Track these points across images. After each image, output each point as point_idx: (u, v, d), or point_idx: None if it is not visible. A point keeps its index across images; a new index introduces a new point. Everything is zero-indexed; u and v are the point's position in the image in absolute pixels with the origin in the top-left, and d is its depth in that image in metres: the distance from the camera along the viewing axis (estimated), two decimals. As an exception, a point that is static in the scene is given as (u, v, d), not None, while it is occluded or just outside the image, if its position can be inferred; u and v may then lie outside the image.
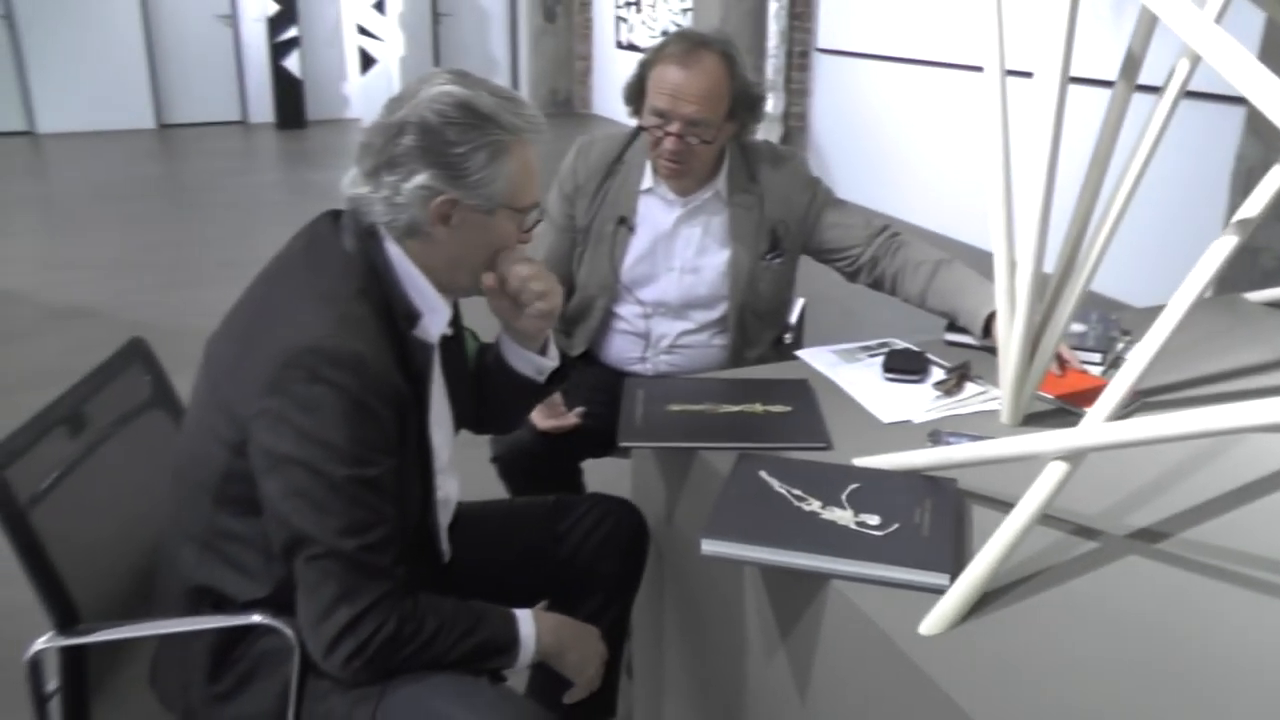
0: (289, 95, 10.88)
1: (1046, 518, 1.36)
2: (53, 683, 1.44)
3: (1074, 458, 1.26)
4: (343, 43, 11.13)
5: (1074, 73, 1.54)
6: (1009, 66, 1.60)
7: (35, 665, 1.41)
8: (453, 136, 1.34)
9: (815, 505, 1.38)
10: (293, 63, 10.82)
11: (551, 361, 1.66)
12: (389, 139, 1.35)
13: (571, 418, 2.07)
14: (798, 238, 2.23)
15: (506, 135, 1.37)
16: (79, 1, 10.13)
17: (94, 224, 6.87)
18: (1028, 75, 1.61)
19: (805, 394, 1.81)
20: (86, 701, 1.45)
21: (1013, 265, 1.63)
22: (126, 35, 10.40)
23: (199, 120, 10.97)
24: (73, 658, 1.42)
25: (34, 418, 1.47)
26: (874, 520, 1.35)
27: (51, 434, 1.49)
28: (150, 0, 10.47)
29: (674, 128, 2.04)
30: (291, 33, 10.75)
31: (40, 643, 1.39)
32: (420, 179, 1.34)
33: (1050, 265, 1.65)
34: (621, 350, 2.27)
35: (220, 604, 1.40)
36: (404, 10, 10.80)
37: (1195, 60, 1.48)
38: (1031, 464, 1.32)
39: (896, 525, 1.34)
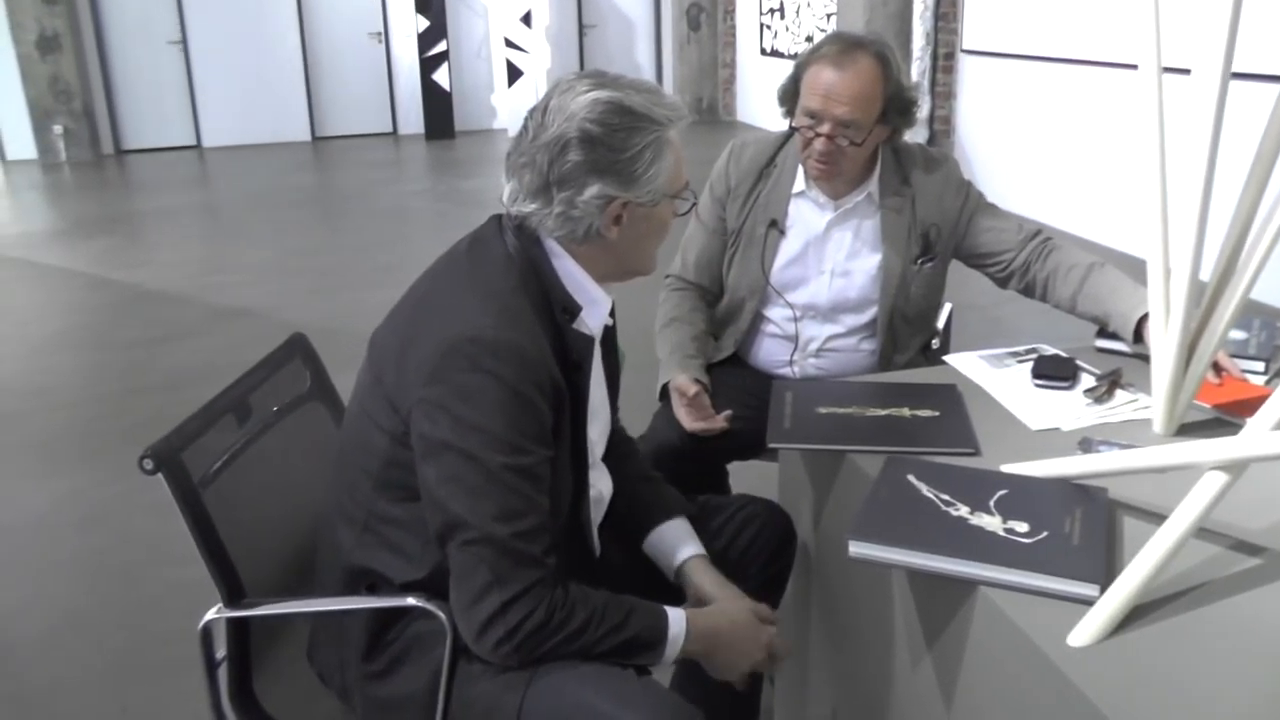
0: (438, 107, 11.23)
1: (1203, 531, 1.30)
2: (221, 651, 1.53)
3: (1234, 468, 1.21)
4: (490, 56, 11.44)
5: (1235, 68, 1.48)
6: (1167, 63, 1.55)
7: (206, 634, 1.51)
8: (618, 143, 1.37)
9: (963, 510, 1.37)
10: (441, 76, 11.17)
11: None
12: (554, 156, 1.37)
13: (720, 420, 2.08)
14: (949, 242, 2.20)
15: (660, 129, 1.40)
16: (243, 25, 10.73)
17: (253, 231, 7.22)
18: (1185, 72, 1.55)
19: (953, 399, 1.78)
20: (250, 671, 1.53)
21: (1168, 270, 1.57)
22: (285, 54, 10.95)
23: (352, 132, 11.44)
24: (238, 630, 1.51)
25: (205, 406, 1.56)
26: (1023, 527, 1.32)
27: (220, 422, 1.57)
28: (307, 21, 10.98)
29: (825, 128, 2.04)
30: (440, 47, 11.10)
31: (210, 614, 1.48)
32: (594, 189, 1.38)
33: (1206, 273, 1.58)
34: (770, 353, 2.28)
35: (377, 585, 1.45)
36: (550, 23, 11.02)
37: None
38: (1186, 476, 1.27)
39: (1046, 533, 1.31)
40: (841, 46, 2.05)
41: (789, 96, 2.13)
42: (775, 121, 2.23)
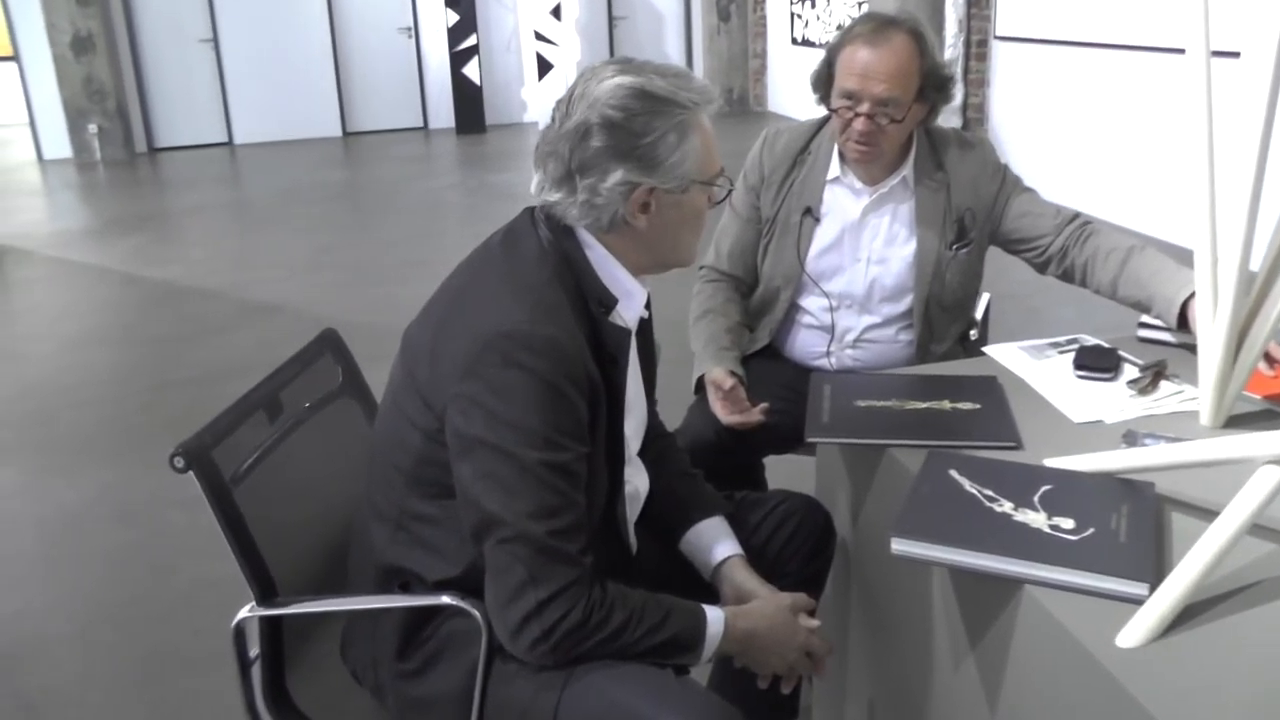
0: (468, 101, 11.25)
1: (1257, 528, 1.27)
2: (254, 650, 1.52)
3: (1291, 462, 1.17)
4: (520, 49, 11.44)
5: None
6: (1214, 47, 1.51)
7: (239, 633, 1.50)
8: (639, 127, 1.35)
9: (1007, 506, 1.33)
10: (472, 70, 11.18)
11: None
12: (575, 143, 1.35)
13: (756, 414, 2.06)
14: (985, 226, 2.16)
15: (685, 113, 1.37)
16: (272, 22, 10.82)
17: (284, 227, 7.26)
18: (1234, 55, 1.50)
19: (994, 391, 1.75)
20: (283, 669, 1.52)
21: (1215, 258, 1.53)
22: (315, 51, 11.02)
23: (382, 128, 11.50)
24: (271, 628, 1.50)
25: (236, 403, 1.55)
26: (1068, 524, 1.29)
27: (251, 419, 1.56)
28: (337, 17, 11.04)
29: (864, 108, 2.01)
30: (470, 41, 11.11)
31: (243, 612, 1.47)
32: (617, 176, 1.35)
33: (1255, 263, 1.54)
34: (806, 344, 2.25)
35: (410, 584, 1.44)
36: (580, 15, 11.01)
37: None
38: (1235, 470, 1.23)
39: (1092, 530, 1.27)
40: (875, 25, 2.02)
41: (823, 81, 2.10)
42: (806, 112, 2.21)
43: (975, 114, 7.65)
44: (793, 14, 10.66)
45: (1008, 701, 1.31)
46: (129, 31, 10.44)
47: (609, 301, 1.42)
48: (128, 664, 2.51)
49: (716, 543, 1.61)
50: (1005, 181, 2.16)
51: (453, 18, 11.02)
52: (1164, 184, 5.82)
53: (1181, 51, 1.55)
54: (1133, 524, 1.29)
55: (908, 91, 2.01)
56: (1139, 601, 1.16)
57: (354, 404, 1.80)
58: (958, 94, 7.50)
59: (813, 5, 10.14)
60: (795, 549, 1.70)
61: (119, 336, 5.05)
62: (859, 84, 2.00)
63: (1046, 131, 6.94)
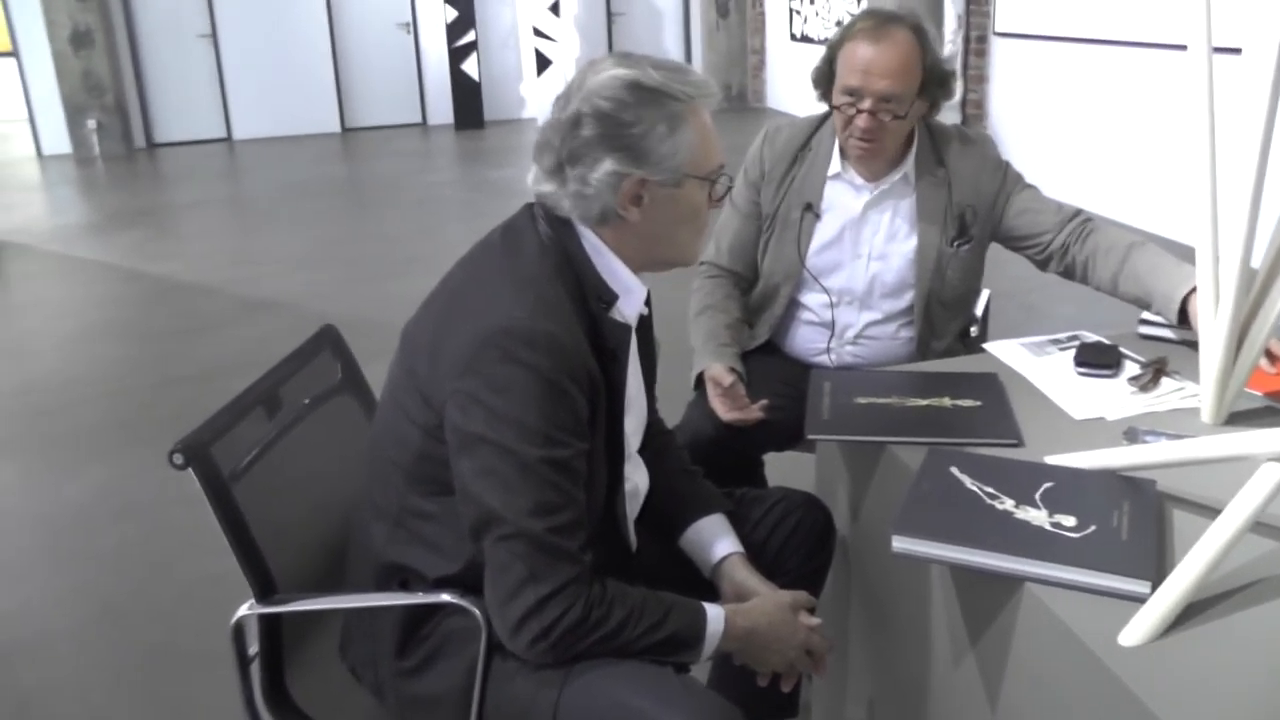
0: (467, 97, 11.24)
1: (1259, 525, 1.26)
2: (253, 647, 1.51)
3: (1294, 460, 1.17)
4: (519, 45, 11.43)
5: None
6: (1215, 43, 1.50)
7: (238, 630, 1.49)
8: (629, 117, 1.34)
9: (1008, 504, 1.33)
10: (470, 66, 11.17)
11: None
12: (566, 134, 1.36)
13: (756, 410, 2.05)
14: (986, 223, 2.16)
15: (679, 104, 1.37)
16: (271, 18, 10.80)
17: (283, 222, 7.26)
18: (1235, 52, 1.50)
19: (995, 388, 1.75)
20: (282, 667, 1.52)
21: (1217, 255, 1.53)
22: (314, 46, 11.01)
23: (381, 123, 11.48)
24: (271, 626, 1.49)
25: (234, 399, 1.55)
26: (1070, 521, 1.29)
27: (250, 415, 1.56)
28: (336, 13, 11.03)
29: (866, 104, 2.00)
30: (469, 37, 11.10)
31: (242, 610, 1.46)
32: (606, 166, 1.35)
33: (1256, 260, 1.54)
34: (806, 341, 2.25)
35: (409, 581, 1.44)
36: (578, 11, 11.00)
37: None
38: (1236, 467, 1.23)
39: (1093, 528, 1.27)
40: (876, 21, 2.02)
41: (824, 78, 2.10)
42: (806, 108, 2.20)
43: (974, 110, 7.64)
44: (791, 10, 10.65)
45: (1008, 699, 1.31)
46: (128, 27, 10.42)
47: (609, 297, 1.41)
48: (128, 661, 2.50)
49: (716, 540, 1.60)
50: (1007, 178, 2.16)
51: (451, 13, 11.00)
52: (1164, 181, 5.82)
53: (1182, 48, 1.54)
54: (1134, 521, 1.28)
55: (910, 87, 2.01)
56: (1141, 600, 1.16)
57: (353, 400, 1.80)
58: (957, 90, 7.49)
59: (812, 1, 10.12)
60: (795, 546, 1.69)
61: (119, 332, 5.05)
62: (861, 80, 2.00)
63: (1046, 127, 6.93)
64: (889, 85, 1.99)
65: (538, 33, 11.05)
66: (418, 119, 11.63)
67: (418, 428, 1.37)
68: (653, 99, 1.35)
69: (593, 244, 1.41)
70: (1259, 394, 1.67)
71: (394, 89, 11.46)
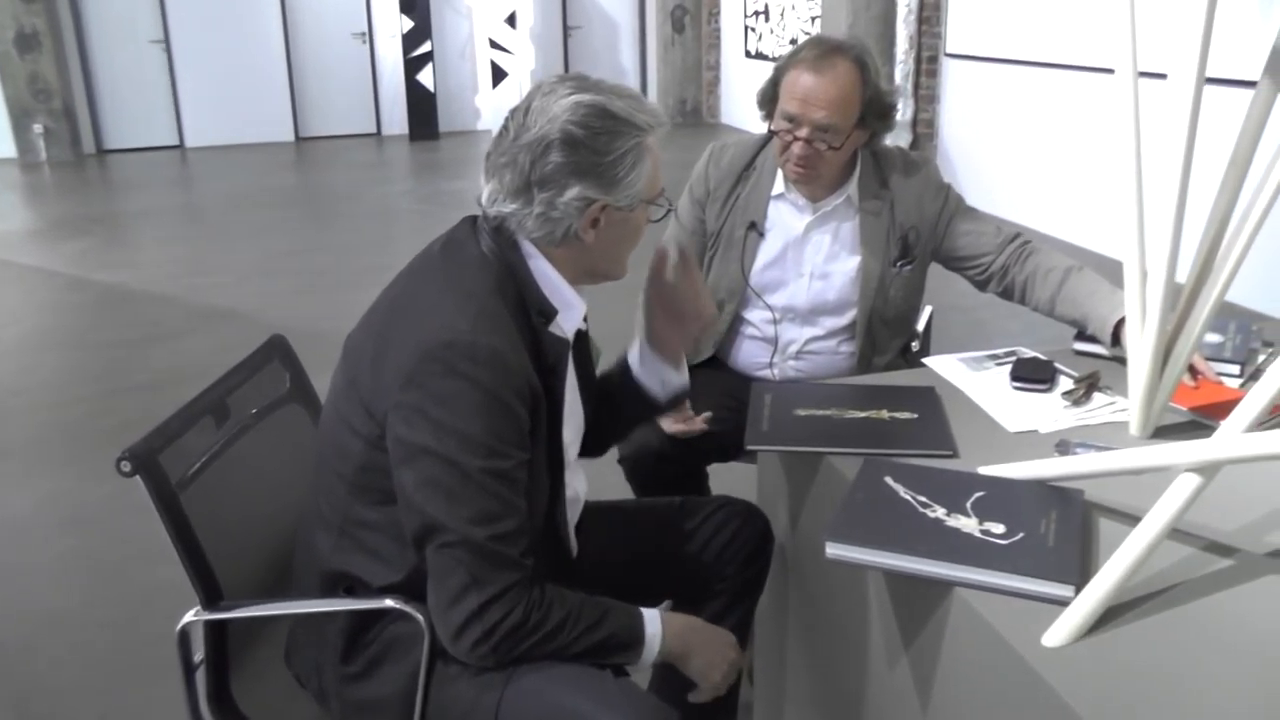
0: (422, 108, 11.21)
1: (1177, 532, 1.31)
2: (199, 654, 1.52)
3: (1207, 470, 1.22)
4: (474, 57, 11.43)
5: (1212, 74, 1.49)
6: (1144, 68, 1.56)
7: (184, 637, 1.50)
8: (601, 146, 1.38)
9: (940, 512, 1.37)
10: (426, 77, 11.15)
11: (681, 379, 1.68)
12: (537, 156, 1.37)
13: (699, 422, 2.09)
14: (928, 245, 2.21)
15: (642, 134, 1.41)
16: (225, 24, 10.71)
17: (236, 232, 7.19)
18: (1161, 77, 1.57)
19: (932, 401, 1.79)
20: (228, 674, 1.53)
21: (1144, 273, 1.59)
22: (268, 54, 10.93)
23: (335, 133, 11.42)
24: (217, 632, 1.50)
25: (183, 408, 1.56)
26: (999, 529, 1.33)
27: (199, 424, 1.57)
28: (291, 21, 10.96)
29: (803, 132, 2.04)
30: (425, 48, 11.08)
31: (188, 616, 1.47)
32: (574, 191, 1.38)
33: (1184, 275, 1.60)
34: (749, 355, 2.28)
35: (354, 589, 1.45)
36: (534, 24, 11.03)
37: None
38: (1161, 477, 1.28)
39: (1021, 535, 1.31)
40: (820, 51, 2.05)
41: (768, 100, 2.14)
42: (760, 125, 2.24)
43: (925, 129, 7.76)
44: (747, 27, 10.75)
45: (940, 699, 1.35)
46: (77, 30, 10.28)
47: (549, 312, 1.44)
48: (74, 673, 2.48)
49: (630, 349, 1.69)
50: (948, 201, 2.21)
51: (407, 24, 10.98)
52: (1102, 199, 5.95)
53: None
54: (1061, 529, 1.33)
55: (847, 119, 2.05)
56: (1065, 603, 1.20)
57: (301, 410, 1.81)
58: (908, 109, 7.61)
59: (767, 19, 10.23)
60: (733, 554, 1.73)
61: (68, 341, 4.99)
62: (800, 109, 2.04)
63: (994, 146, 7.06)
64: (826, 116, 2.03)
65: (494, 44, 11.07)
66: (372, 129, 11.58)
67: (360, 438, 1.39)
68: (622, 128, 1.39)
69: (537, 260, 1.44)
70: (1184, 409, 1.73)
71: (349, 99, 11.41)
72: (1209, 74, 1.49)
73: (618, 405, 1.71)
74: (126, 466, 1.39)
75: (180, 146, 10.89)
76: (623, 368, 1.70)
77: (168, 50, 10.64)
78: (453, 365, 1.31)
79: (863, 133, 2.11)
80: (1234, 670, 1.11)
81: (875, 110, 2.09)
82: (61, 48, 10.07)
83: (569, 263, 1.46)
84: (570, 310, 1.48)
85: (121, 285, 5.83)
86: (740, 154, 2.26)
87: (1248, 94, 1.57)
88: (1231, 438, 1.24)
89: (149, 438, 1.45)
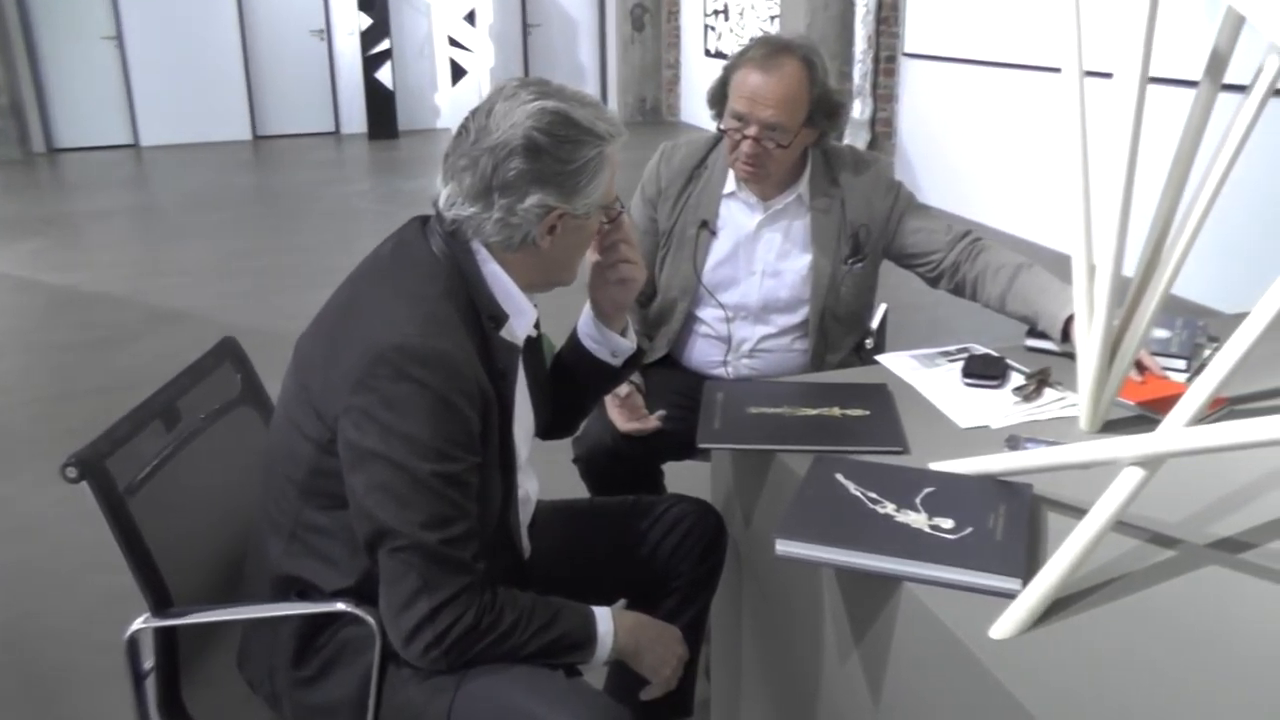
0: (381, 106, 11.13)
1: (1122, 525, 1.34)
2: (148, 662, 1.51)
3: (1150, 463, 1.24)
4: (434, 55, 11.36)
5: (1157, 73, 1.51)
6: (1092, 68, 1.58)
7: (133, 644, 1.49)
8: (564, 155, 1.38)
9: (890, 508, 1.39)
10: (384, 75, 11.07)
11: (629, 344, 1.69)
12: (498, 162, 1.36)
13: (653, 420, 2.09)
14: (879, 242, 2.23)
15: (603, 143, 1.41)
16: (180, 21, 10.55)
17: (192, 232, 7.11)
18: (1107, 76, 1.59)
19: (883, 398, 1.80)
20: (178, 680, 1.51)
21: (1092, 269, 1.61)
22: (224, 52, 10.79)
23: (293, 131, 11.31)
24: (166, 639, 1.49)
25: (131, 411, 1.54)
26: (948, 524, 1.34)
27: (148, 428, 1.55)
28: (247, 18, 10.83)
29: (751, 131, 2.06)
30: (383, 46, 11.00)
31: (137, 623, 1.46)
32: (535, 199, 1.38)
33: (1131, 269, 1.62)
34: (703, 354, 2.29)
35: (306, 593, 1.44)
36: (494, 22, 10.98)
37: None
38: (1108, 471, 1.30)
39: (970, 529, 1.33)
40: (768, 50, 2.07)
41: (718, 99, 2.16)
42: (716, 124, 2.25)
43: (884, 128, 7.82)
44: (706, 26, 10.77)
45: (890, 693, 1.37)
46: (23, 26, 10.08)
47: (500, 317, 1.44)
48: (22, 684, 2.44)
49: (580, 320, 1.69)
50: (899, 198, 2.23)
51: (365, 21, 10.90)
52: (1055, 196, 6.02)
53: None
54: (1009, 523, 1.35)
55: (794, 118, 2.06)
56: (1011, 596, 1.22)
57: (253, 413, 1.79)
58: (867, 108, 7.66)
59: (726, 18, 10.25)
60: (687, 551, 1.74)
61: (16, 344, 4.90)
62: (748, 107, 2.05)
63: (951, 144, 7.12)
64: (773, 115, 2.04)
65: (453, 42, 11.01)
66: (331, 127, 11.48)
67: (311, 442, 1.38)
68: (584, 136, 1.39)
69: (489, 264, 1.44)
70: (1132, 403, 1.75)
71: (307, 97, 11.30)
72: (1153, 74, 1.52)
73: (575, 377, 1.72)
74: (72, 473, 1.38)
75: (135, 145, 10.74)
76: (574, 341, 1.71)
77: (120, 47, 10.47)
78: (403, 369, 1.30)
79: (811, 131, 2.12)
80: (1178, 660, 1.13)
81: (823, 109, 2.10)
82: (8, 43, 9.85)
83: (523, 268, 1.46)
84: (522, 316, 1.48)
85: (74, 287, 5.74)
86: (692, 153, 2.27)
87: (1191, 93, 1.60)
88: (1174, 432, 1.26)
89: (95, 443, 1.43)
